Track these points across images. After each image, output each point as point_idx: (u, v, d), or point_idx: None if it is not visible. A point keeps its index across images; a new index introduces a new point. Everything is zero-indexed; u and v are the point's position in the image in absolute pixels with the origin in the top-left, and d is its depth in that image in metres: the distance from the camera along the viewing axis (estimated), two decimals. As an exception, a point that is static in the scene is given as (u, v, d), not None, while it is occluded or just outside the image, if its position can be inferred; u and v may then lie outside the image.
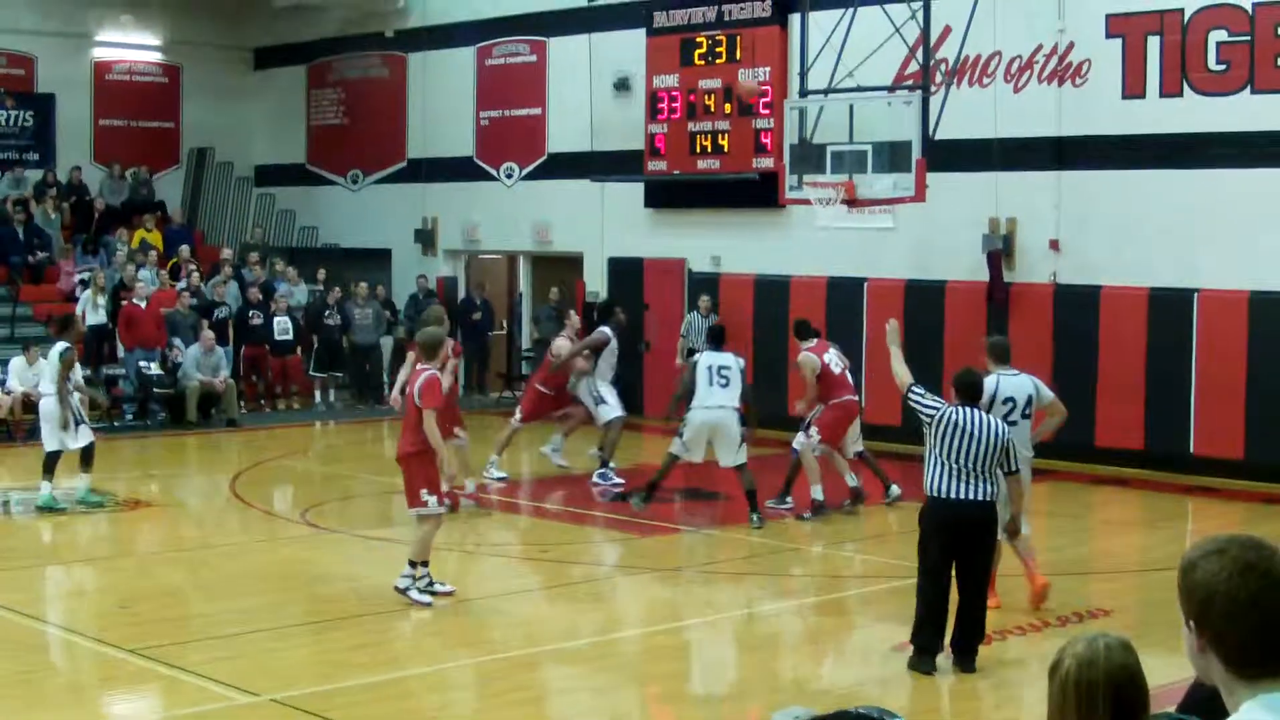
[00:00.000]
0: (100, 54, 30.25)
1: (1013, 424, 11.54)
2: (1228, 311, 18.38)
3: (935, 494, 10.30)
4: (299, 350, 25.75)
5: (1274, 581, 3.05)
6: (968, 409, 10.40)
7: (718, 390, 15.58)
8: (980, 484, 10.25)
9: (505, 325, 28.25)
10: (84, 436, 16.45)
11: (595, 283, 25.30)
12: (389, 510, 17.53)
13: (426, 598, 12.24)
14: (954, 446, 10.23)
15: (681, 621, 12.36)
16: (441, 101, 27.90)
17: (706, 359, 15.88)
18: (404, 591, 12.26)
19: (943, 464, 10.26)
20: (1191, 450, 18.73)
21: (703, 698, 10.29)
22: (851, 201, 18.88)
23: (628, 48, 24.33)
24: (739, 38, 22.82)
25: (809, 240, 21.68)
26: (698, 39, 23.37)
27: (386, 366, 26.78)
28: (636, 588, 13.94)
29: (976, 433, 10.25)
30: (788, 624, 12.60)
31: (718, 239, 23.58)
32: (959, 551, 10.28)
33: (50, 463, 16.19)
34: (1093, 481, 18.79)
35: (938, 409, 10.39)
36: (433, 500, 12.25)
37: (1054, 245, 19.87)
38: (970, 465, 10.23)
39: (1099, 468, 19.17)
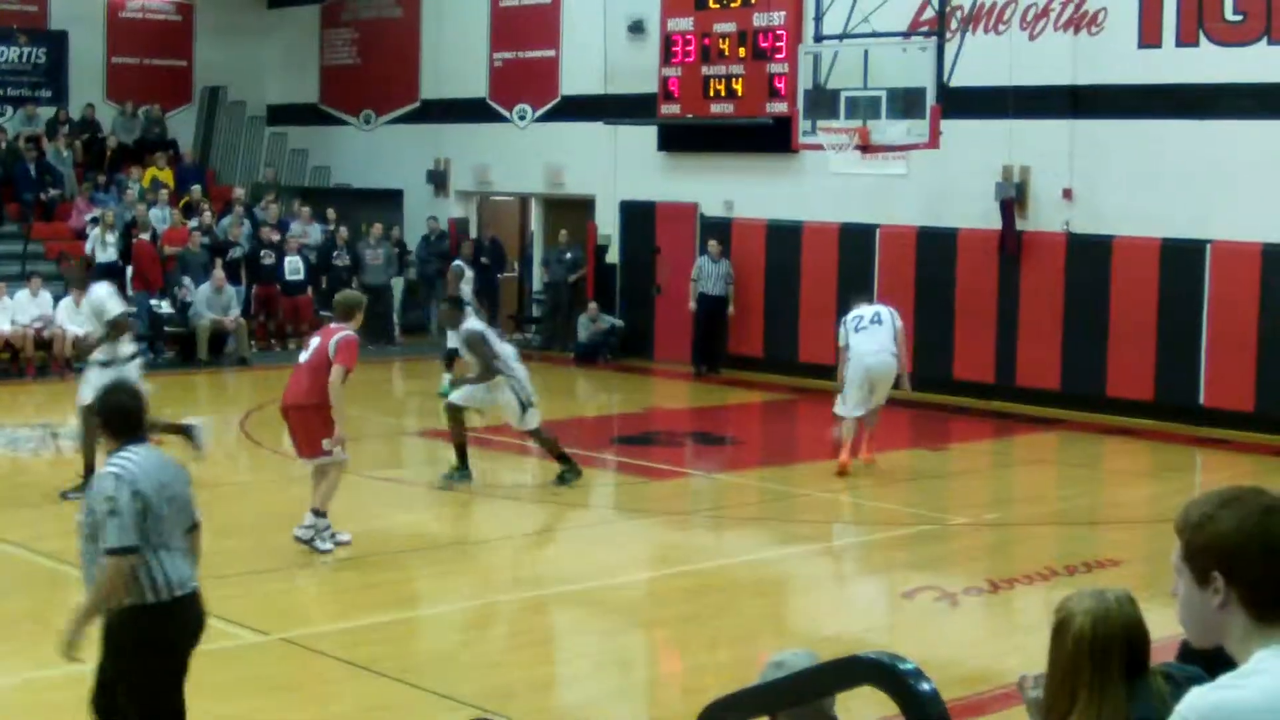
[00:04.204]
0: (113, -9, 30.15)
1: None
2: (1240, 263, 18.32)
3: (167, 595, 6.48)
4: (310, 290, 25.74)
5: None
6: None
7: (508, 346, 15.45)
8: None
9: (516, 267, 28.22)
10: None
11: (607, 226, 25.25)
12: (399, 451, 17.61)
13: (330, 544, 12.04)
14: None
15: (689, 565, 12.41)
16: (455, 42, 27.76)
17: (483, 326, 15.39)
18: (309, 542, 12.01)
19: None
20: (1201, 402, 18.71)
21: (709, 642, 10.34)
22: (865, 147, 18.84)
23: (642, -10, 24.20)
24: (754, -19, 22.66)
25: (822, 186, 21.64)
26: (713, -18, 23.20)
27: (397, 308, 26.79)
28: (645, 531, 14.00)
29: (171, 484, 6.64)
30: (795, 569, 12.66)
31: (730, 184, 23.51)
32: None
33: (450, 356, 19.10)
34: (1102, 431, 18.79)
35: None
36: (338, 449, 11.97)
37: (1067, 194, 19.79)
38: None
39: (1108, 418, 19.17)
